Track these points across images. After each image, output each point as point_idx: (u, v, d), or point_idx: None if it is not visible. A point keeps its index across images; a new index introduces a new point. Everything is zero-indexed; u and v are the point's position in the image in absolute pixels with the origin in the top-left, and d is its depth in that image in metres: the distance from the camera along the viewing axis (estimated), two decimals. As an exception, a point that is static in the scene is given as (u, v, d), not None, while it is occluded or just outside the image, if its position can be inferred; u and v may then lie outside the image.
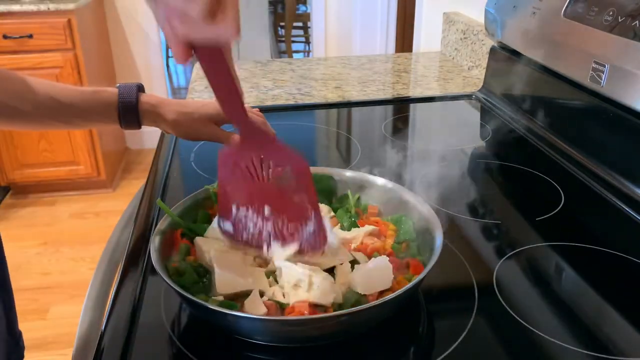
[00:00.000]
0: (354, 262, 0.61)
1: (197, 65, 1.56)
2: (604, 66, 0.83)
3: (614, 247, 0.72)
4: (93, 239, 2.51)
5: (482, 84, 1.32)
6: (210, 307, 0.52)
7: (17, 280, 2.21)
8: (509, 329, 0.58)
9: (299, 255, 0.59)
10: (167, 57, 5.59)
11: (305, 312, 0.54)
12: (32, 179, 2.84)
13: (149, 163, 1.16)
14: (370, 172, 0.75)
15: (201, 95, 1.33)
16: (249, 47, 4.86)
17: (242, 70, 1.52)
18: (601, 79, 0.84)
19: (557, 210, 0.81)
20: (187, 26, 0.43)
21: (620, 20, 0.82)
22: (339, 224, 0.69)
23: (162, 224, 0.63)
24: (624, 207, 0.81)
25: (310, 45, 4.35)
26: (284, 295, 0.57)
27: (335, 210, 0.71)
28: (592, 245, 0.72)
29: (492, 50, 1.27)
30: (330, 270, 0.60)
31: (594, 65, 0.86)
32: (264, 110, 0.89)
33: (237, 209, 0.59)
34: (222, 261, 0.59)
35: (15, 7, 2.50)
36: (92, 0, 2.87)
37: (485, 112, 1.22)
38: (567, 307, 0.63)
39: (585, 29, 0.89)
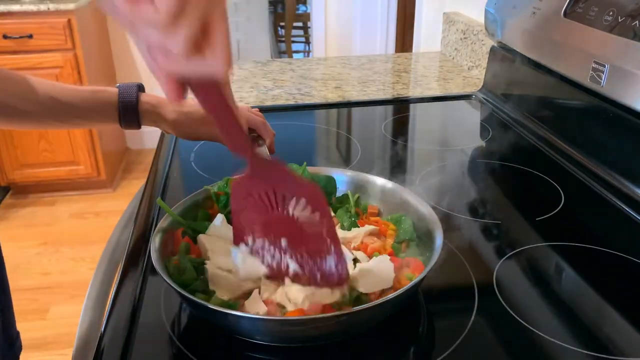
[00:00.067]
0: (355, 261, 0.62)
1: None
2: (604, 66, 0.83)
3: (614, 247, 0.72)
4: (93, 239, 2.51)
5: (482, 84, 1.32)
6: (211, 307, 0.52)
7: (17, 280, 2.22)
8: (509, 329, 0.58)
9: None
10: (167, 57, 5.55)
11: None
12: (32, 179, 2.84)
13: (149, 163, 1.16)
14: (370, 172, 0.75)
15: (201, 95, 1.33)
16: (249, 47, 4.86)
17: (242, 70, 1.52)
18: (601, 79, 0.84)
19: (557, 210, 0.81)
20: (171, 61, 0.38)
21: (620, 20, 0.82)
22: (339, 224, 0.69)
23: (163, 223, 0.63)
24: (624, 207, 0.81)
25: (310, 45, 4.35)
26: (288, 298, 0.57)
27: (335, 210, 0.71)
28: (592, 245, 0.72)
29: (492, 50, 1.27)
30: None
31: (594, 65, 0.86)
32: (264, 110, 0.89)
33: (253, 240, 0.57)
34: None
35: (15, 7, 2.50)
36: (92, 0, 2.87)
37: (485, 112, 1.22)
38: (567, 307, 0.63)
39: (585, 29, 0.89)
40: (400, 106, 1.29)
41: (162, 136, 1.08)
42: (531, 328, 0.58)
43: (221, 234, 0.64)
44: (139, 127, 0.77)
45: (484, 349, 0.56)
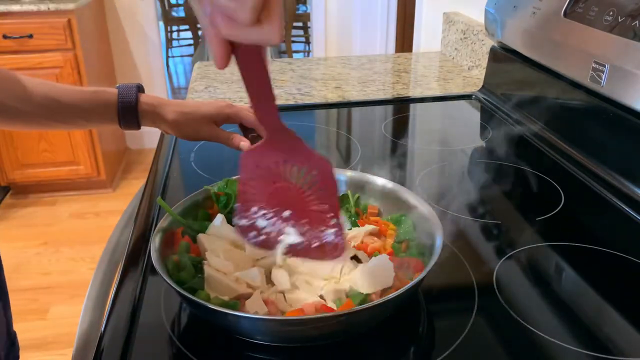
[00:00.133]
0: (355, 258, 0.62)
1: (197, 65, 1.55)
2: (604, 66, 0.83)
3: (614, 247, 0.72)
4: (93, 239, 2.52)
5: (482, 84, 1.32)
6: (211, 307, 0.52)
7: (17, 280, 2.22)
8: (509, 329, 0.58)
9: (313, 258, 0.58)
10: (167, 57, 5.59)
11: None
12: (32, 179, 2.84)
13: (149, 163, 1.16)
14: (370, 172, 0.75)
15: (201, 96, 1.33)
16: (249, 47, 4.85)
17: (242, 70, 1.52)
18: (601, 79, 0.84)
19: (557, 210, 0.81)
20: (231, 27, 0.41)
21: (620, 20, 0.82)
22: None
23: (163, 223, 0.63)
24: (624, 207, 0.81)
25: (310, 45, 4.35)
26: (285, 298, 0.57)
27: (335, 210, 0.71)
28: (592, 245, 0.72)
29: (492, 50, 1.27)
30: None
31: (594, 65, 0.86)
32: (264, 110, 0.89)
33: (257, 209, 0.58)
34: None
35: (15, 7, 2.50)
36: (92, 0, 2.87)
37: (485, 112, 1.22)
38: (567, 307, 0.63)
39: (585, 29, 0.89)
40: (400, 106, 1.29)
41: (162, 136, 1.08)
42: (531, 328, 0.58)
43: (221, 234, 0.64)
44: (138, 127, 0.77)
45: (484, 349, 0.56)
